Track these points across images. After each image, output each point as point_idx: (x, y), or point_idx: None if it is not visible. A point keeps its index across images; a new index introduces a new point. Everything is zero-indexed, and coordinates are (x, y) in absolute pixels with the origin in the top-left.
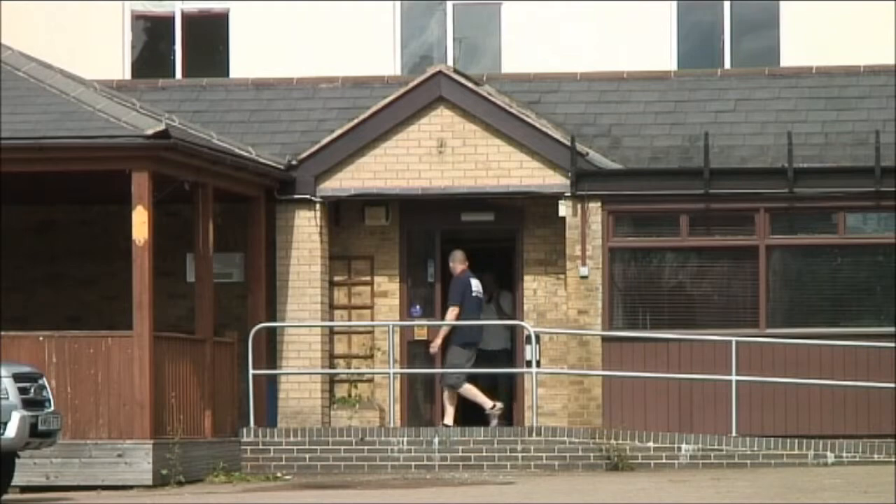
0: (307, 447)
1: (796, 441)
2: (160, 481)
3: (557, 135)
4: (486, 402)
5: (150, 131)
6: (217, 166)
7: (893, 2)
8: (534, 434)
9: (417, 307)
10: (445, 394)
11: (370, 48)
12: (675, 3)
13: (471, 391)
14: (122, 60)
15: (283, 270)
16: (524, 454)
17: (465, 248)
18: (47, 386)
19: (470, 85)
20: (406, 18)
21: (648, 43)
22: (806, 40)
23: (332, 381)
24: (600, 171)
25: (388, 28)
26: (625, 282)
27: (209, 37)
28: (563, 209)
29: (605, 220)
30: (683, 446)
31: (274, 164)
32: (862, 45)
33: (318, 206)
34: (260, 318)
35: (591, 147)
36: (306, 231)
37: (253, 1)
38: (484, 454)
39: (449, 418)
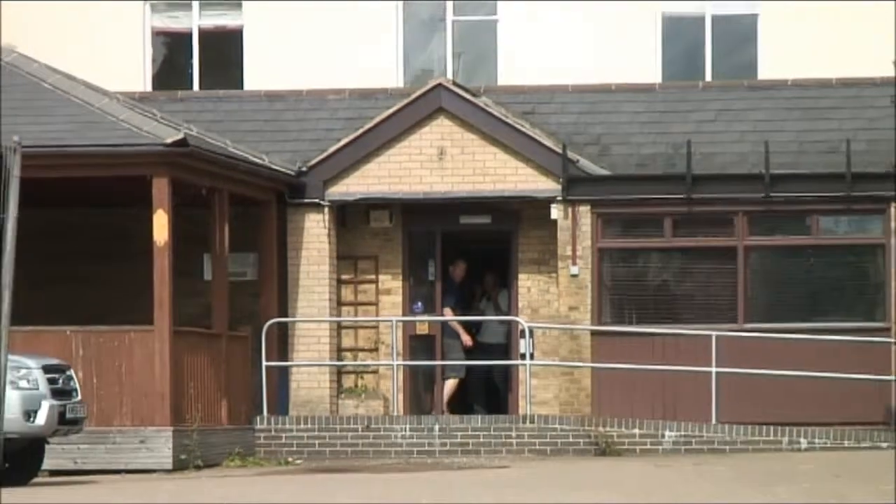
0: (316, 434)
1: (772, 428)
2: (179, 466)
3: (550, 143)
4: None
5: (169, 140)
6: (232, 172)
7: (864, 20)
8: (527, 422)
9: (419, 304)
10: (449, 382)
11: (375, 62)
12: (661, 19)
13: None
14: (144, 73)
15: (294, 269)
16: (518, 440)
17: (464, 248)
18: (74, 377)
19: (468, 96)
20: (409, 34)
21: (635, 57)
22: (782, 55)
23: (339, 372)
24: (590, 176)
25: (391, 43)
26: (612, 280)
27: (224, 51)
28: (555, 212)
29: (595, 222)
30: (667, 433)
31: (285, 171)
32: (834, 59)
33: (326, 209)
34: (272, 313)
35: (582, 154)
36: (315, 233)
37: (265, 18)
38: (481, 440)
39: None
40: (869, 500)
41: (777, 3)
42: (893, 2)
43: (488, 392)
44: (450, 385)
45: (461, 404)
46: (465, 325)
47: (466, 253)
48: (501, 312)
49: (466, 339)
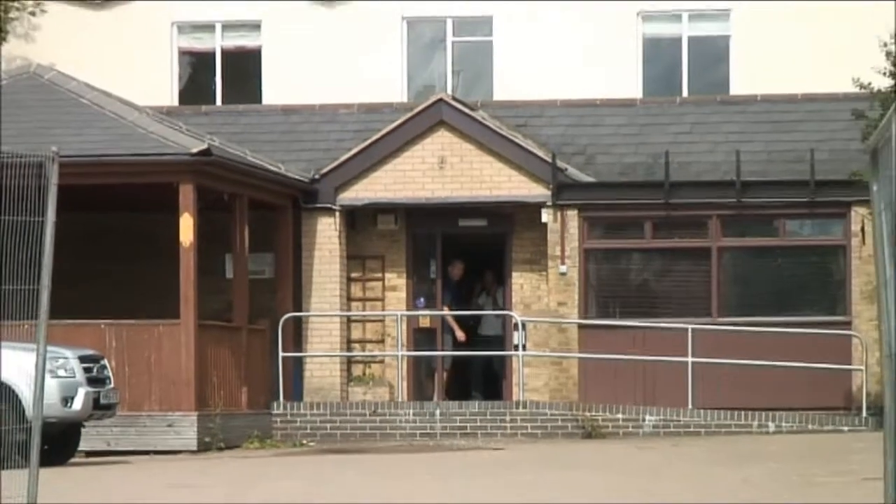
0: (328, 418)
1: (743, 413)
2: (203, 447)
3: (541, 153)
4: None
5: (194, 150)
6: (251, 179)
7: (827, 41)
8: (520, 407)
9: (421, 299)
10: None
11: (382, 79)
12: (641, 40)
13: None
14: (171, 89)
15: (308, 268)
16: (512, 424)
17: (462, 249)
18: (108, 366)
19: (466, 110)
20: (412, 54)
21: (618, 74)
22: (752, 73)
23: (349, 362)
24: (577, 183)
25: (396, 62)
26: (598, 278)
27: (244, 69)
28: (546, 216)
29: (581, 225)
30: (647, 417)
31: (299, 178)
32: (800, 76)
33: (337, 213)
34: (288, 308)
35: (570, 163)
36: (327, 235)
37: (282, 39)
38: (478, 424)
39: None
40: (831, 479)
41: (747, 26)
42: (852, 24)
43: (487, 379)
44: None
45: (461, 391)
46: (464, 318)
47: (465, 253)
48: (499, 307)
49: (460, 335)
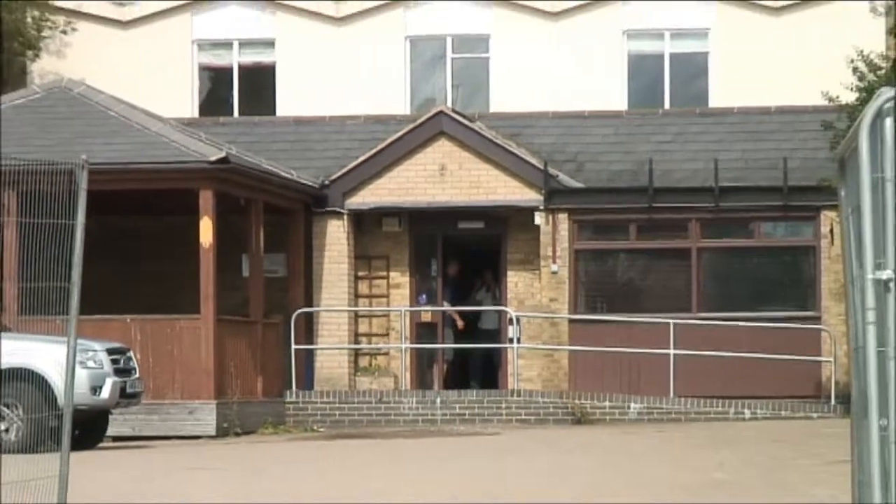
0: (337, 406)
1: (720, 401)
2: (222, 433)
3: (534, 161)
4: None
5: (213, 158)
6: (265, 185)
7: (799, 58)
8: (515, 395)
9: (423, 296)
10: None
11: (386, 93)
12: (627, 56)
13: None
14: (192, 102)
15: (318, 267)
16: (507, 411)
17: (461, 249)
18: (133, 358)
19: (465, 122)
20: (415, 69)
21: (605, 88)
22: (729, 87)
23: (356, 354)
24: (567, 189)
25: (400, 77)
26: (587, 276)
27: (260, 83)
28: (538, 219)
29: (571, 227)
30: (632, 405)
31: (310, 184)
32: (773, 90)
33: (345, 216)
34: (299, 304)
35: (561, 170)
36: (336, 236)
37: (294, 55)
38: (476, 411)
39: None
40: (802, 461)
41: (725, 44)
42: (822, 43)
43: (486, 370)
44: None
45: (461, 380)
46: (464, 313)
47: (464, 253)
48: (497, 303)
49: (460, 324)
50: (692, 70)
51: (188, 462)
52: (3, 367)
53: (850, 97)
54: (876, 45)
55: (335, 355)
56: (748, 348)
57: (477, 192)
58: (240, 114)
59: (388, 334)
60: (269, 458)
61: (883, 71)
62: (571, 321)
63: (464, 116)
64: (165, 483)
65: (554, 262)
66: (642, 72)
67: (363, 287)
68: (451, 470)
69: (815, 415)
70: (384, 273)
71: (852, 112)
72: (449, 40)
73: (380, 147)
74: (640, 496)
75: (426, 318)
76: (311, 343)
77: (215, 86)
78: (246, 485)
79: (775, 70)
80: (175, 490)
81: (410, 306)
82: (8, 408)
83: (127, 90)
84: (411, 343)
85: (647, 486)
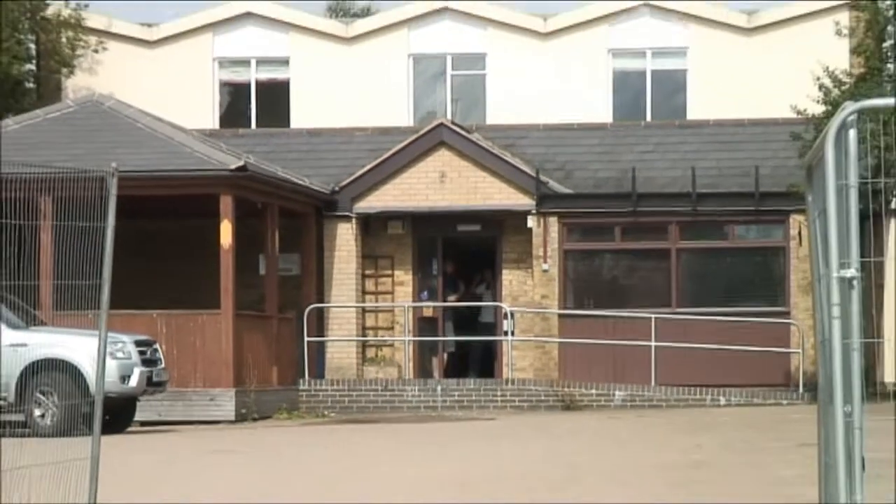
0: (346, 393)
1: (698, 389)
2: (240, 418)
3: (526, 169)
4: None
5: (233, 166)
6: (280, 191)
7: (770, 75)
8: (509, 384)
9: (425, 293)
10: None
11: (391, 106)
12: (612, 73)
13: None
14: (213, 115)
15: (329, 266)
16: (502, 398)
17: (460, 249)
18: (159, 349)
19: (463, 133)
20: (417, 85)
21: (592, 102)
22: (706, 101)
23: (363, 345)
24: (557, 194)
25: (404, 92)
26: (575, 274)
27: (275, 98)
28: (531, 222)
29: (561, 230)
30: (617, 393)
31: (322, 190)
32: (746, 104)
33: (353, 220)
34: (312, 300)
35: (551, 177)
36: (345, 238)
37: (307, 72)
38: (473, 398)
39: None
40: (772, 444)
41: (702, 62)
42: (791, 60)
43: (483, 360)
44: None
45: (461, 369)
46: (465, 308)
47: (462, 254)
48: (495, 298)
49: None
50: (671, 86)
51: (211, 445)
52: (40, 357)
53: (816, 110)
54: (840, 62)
55: (344, 347)
56: (723, 341)
57: (474, 197)
58: (257, 126)
59: (392, 328)
60: (284, 442)
61: (847, 86)
62: (561, 316)
63: (462, 128)
64: (191, 464)
65: (545, 261)
66: (626, 87)
67: (370, 284)
68: (451, 452)
69: (784, 402)
70: (389, 272)
71: (818, 124)
72: (449, 58)
73: (385, 156)
74: (624, 475)
75: (427, 313)
76: (323, 336)
77: (234, 100)
78: (264, 465)
79: (748, 85)
80: (200, 471)
81: (413, 302)
82: (44, 395)
83: (153, 104)
84: (414, 336)
85: (632, 466)
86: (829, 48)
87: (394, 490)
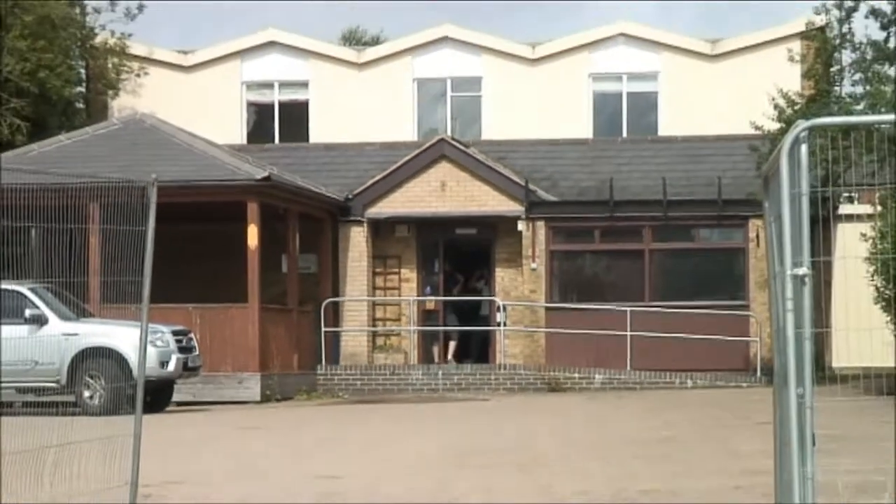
0: (358, 377)
1: (668, 373)
2: (264, 399)
3: (517, 179)
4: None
5: (258, 176)
6: (300, 198)
7: (731, 97)
8: (502, 369)
9: (428, 288)
10: (452, 343)
11: (398, 124)
12: (592, 95)
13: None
14: (241, 132)
15: (343, 265)
16: (496, 381)
17: (459, 250)
18: (193, 338)
19: (461, 147)
20: (421, 105)
21: (574, 120)
22: (675, 119)
23: (374, 335)
24: (544, 201)
25: (409, 111)
26: (560, 272)
27: (296, 116)
28: (521, 226)
29: (548, 233)
30: (597, 376)
31: (336, 198)
32: (711, 121)
33: (365, 224)
34: (328, 295)
35: (539, 187)
36: (357, 240)
37: (324, 94)
38: (470, 381)
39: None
40: (733, 421)
41: (671, 85)
42: (750, 84)
43: (481, 347)
44: (452, 344)
45: (462, 356)
46: (465, 303)
47: (461, 254)
48: (492, 294)
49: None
50: (644, 106)
51: (239, 422)
52: (89, 345)
53: (772, 127)
54: (793, 85)
55: (357, 336)
56: (690, 330)
57: (471, 204)
58: (280, 141)
59: (399, 319)
60: (304, 419)
61: (798, 106)
62: (547, 308)
63: (461, 143)
64: (221, 439)
65: (533, 260)
66: (604, 107)
67: (379, 281)
68: (451, 428)
69: (744, 384)
70: (396, 270)
71: (774, 139)
72: (449, 81)
73: (393, 168)
74: (604, 446)
75: (430, 306)
76: (338, 326)
77: (260, 118)
78: (287, 438)
79: (712, 105)
80: (230, 444)
81: (418, 296)
82: (92, 378)
83: (188, 122)
84: (418, 326)
85: (610, 439)
86: (783, 73)
87: (402, 458)
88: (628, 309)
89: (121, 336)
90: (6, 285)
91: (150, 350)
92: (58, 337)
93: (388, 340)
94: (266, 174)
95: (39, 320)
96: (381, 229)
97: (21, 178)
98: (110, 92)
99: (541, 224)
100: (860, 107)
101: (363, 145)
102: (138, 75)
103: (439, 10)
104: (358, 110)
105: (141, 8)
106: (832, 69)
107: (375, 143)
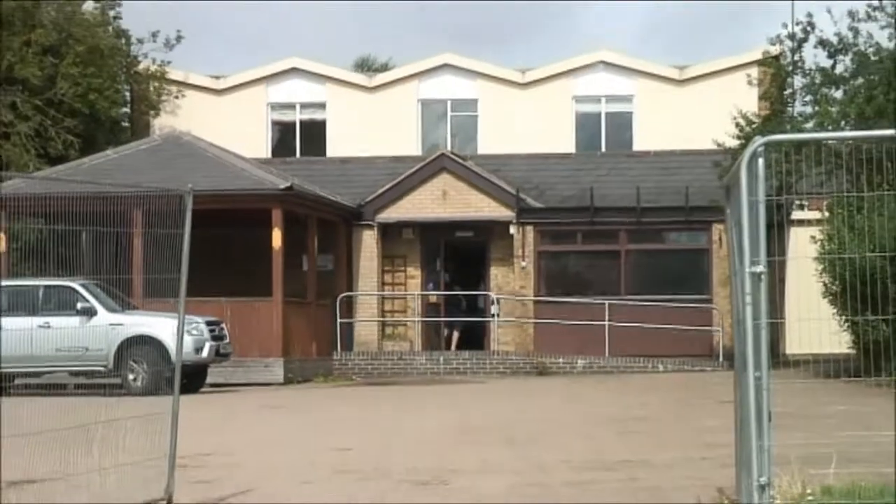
0: (369, 362)
1: (641, 359)
2: (287, 381)
3: (509, 188)
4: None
5: (282, 186)
6: (318, 206)
7: (698, 117)
8: (495, 355)
9: (431, 284)
10: (456, 334)
11: (404, 140)
12: (574, 115)
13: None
14: (266, 147)
15: (356, 264)
16: (490, 366)
17: (458, 251)
18: (225, 328)
19: (460, 160)
20: (425, 123)
21: (559, 137)
22: (648, 136)
23: (383, 325)
24: (533, 208)
25: (414, 128)
26: (547, 270)
27: (315, 134)
28: (512, 229)
29: (535, 235)
30: (579, 361)
31: (350, 205)
32: (679, 138)
33: (375, 227)
34: (343, 290)
35: (528, 195)
36: (368, 242)
37: (340, 115)
38: (468, 366)
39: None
40: (699, 401)
41: (645, 106)
42: (714, 106)
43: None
44: (456, 335)
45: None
46: (465, 296)
47: (460, 254)
48: (489, 289)
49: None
50: (621, 124)
51: (265, 402)
52: (133, 334)
53: (733, 143)
54: (751, 106)
55: (368, 326)
56: (661, 321)
57: (469, 210)
58: (300, 155)
59: (405, 311)
60: (321, 399)
61: (756, 125)
62: (536, 302)
63: (459, 157)
64: (250, 416)
65: (523, 260)
66: (586, 126)
67: (388, 278)
68: (452, 406)
69: (708, 369)
70: (403, 268)
71: (735, 154)
72: (449, 103)
73: (399, 178)
74: (585, 423)
75: (433, 300)
76: (351, 317)
77: (283, 136)
78: (306, 416)
79: (680, 124)
80: (257, 420)
81: (422, 291)
82: (135, 363)
83: (220, 138)
84: (422, 318)
85: (590, 417)
86: (742, 95)
87: (407, 433)
88: (606, 302)
89: (160, 326)
90: (60, 281)
91: (187, 338)
92: (105, 327)
93: (396, 330)
94: (289, 184)
95: (89, 312)
96: (390, 232)
97: (74, 188)
98: (152, 112)
99: (530, 228)
100: (810, 125)
101: (374, 159)
102: (176, 97)
103: (440, 38)
104: (369, 128)
105: (179, 38)
106: (785, 92)
107: (384, 156)
